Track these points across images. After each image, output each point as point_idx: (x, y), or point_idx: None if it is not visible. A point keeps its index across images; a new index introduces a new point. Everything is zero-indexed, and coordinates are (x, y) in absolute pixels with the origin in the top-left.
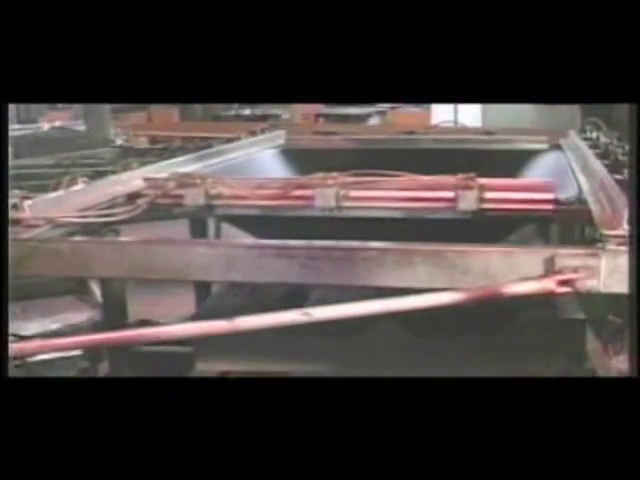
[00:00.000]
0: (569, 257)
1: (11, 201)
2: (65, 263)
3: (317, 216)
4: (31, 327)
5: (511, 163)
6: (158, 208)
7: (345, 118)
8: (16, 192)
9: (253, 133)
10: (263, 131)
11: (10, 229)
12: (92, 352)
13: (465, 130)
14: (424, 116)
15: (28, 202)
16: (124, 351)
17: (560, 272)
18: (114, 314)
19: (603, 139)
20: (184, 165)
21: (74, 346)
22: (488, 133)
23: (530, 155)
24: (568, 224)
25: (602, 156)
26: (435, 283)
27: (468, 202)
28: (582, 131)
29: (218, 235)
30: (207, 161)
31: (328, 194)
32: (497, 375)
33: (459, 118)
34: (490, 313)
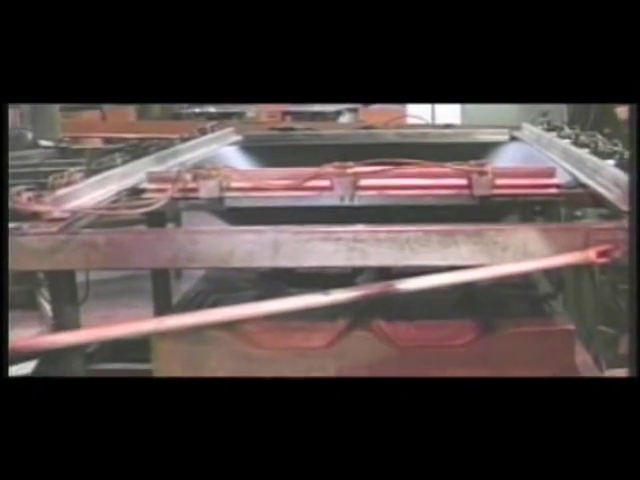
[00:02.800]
0: (602, 232)
1: (26, 195)
2: (101, 255)
3: (334, 205)
4: None
5: (476, 154)
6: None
7: (314, 116)
8: (20, 187)
9: (203, 131)
10: (213, 129)
11: (24, 225)
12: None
13: (425, 125)
14: (398, 114)
15: (50, 196)
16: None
17: (595, 245)
18: (66, 329)
19: (568, 131)
20: (147, 166)
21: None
22: (447, 127)
23: (493, 147)
24: (569, 206)
25: (577, 146)
26: (476, 260)
27: (483, 188)
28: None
29: None
30: (167, 162)
31: (346, 183)
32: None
33: (437, 116)
34: (477, 323)
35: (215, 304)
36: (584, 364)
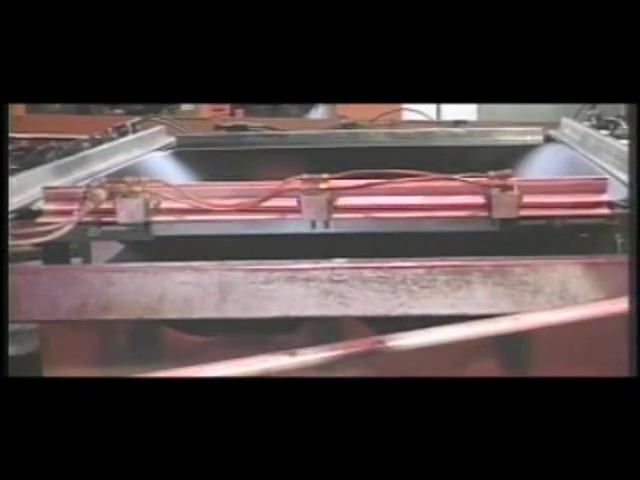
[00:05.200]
0: None
1: None
2: None
3: (303, 233)
4: None
5: (497, 162)
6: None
7: (275, 110)
8: None
9: (122, 130)
10: (135, 127)
11: None
12: None
13: (429, 122)
14: (391, 108)
15: None
16: None
17: None
18: None
19: (625, 127)
20: (43, 179)
21: None
22: (459, 124)
23: (521, 151)
24: (627, 232)
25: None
26: (497, 307)
27: (506, 208)
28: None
29: None
30: (72, 173)
31: (319, 202)
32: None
33: (444, 110)
34: None
35: None
36: None
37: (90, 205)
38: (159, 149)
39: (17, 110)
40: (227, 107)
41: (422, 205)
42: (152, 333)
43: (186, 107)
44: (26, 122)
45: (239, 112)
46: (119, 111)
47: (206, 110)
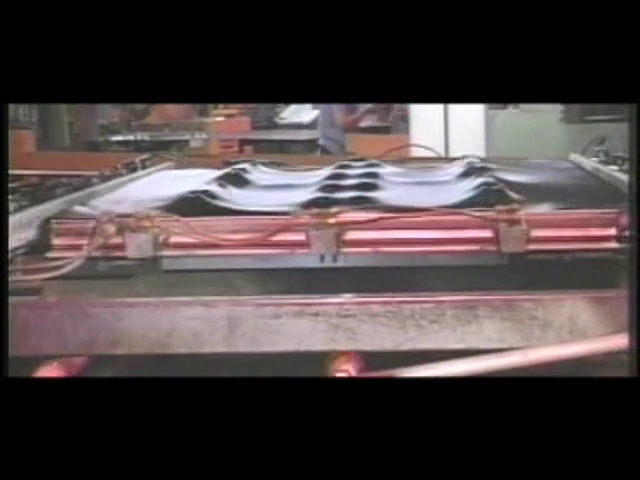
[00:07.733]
0: None
1: None
2: None
3: (311, 267)
4: None
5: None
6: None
7: (283, 146)
8: None
9: (131, 166)
10: (144, 163)
11: None
12: None
13: (436, 158)
14: (399, 143)
15: None
16: None
17: None
18: None
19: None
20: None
21: None
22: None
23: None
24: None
25: None
26: (506, 342)
27: (514, 242)
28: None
29: None
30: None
31: (327, 236)
32: None
33: (452, 146)
34: None
35: None
36: None
37: (99, 240)
38: None
39: (27, 147)
40: (236, 144)
41: (430, 239)
42: None
43: (195, 144)
44: (36, 158)
45: (248, 149)
46: (128, 148)
47: (215, 146)
